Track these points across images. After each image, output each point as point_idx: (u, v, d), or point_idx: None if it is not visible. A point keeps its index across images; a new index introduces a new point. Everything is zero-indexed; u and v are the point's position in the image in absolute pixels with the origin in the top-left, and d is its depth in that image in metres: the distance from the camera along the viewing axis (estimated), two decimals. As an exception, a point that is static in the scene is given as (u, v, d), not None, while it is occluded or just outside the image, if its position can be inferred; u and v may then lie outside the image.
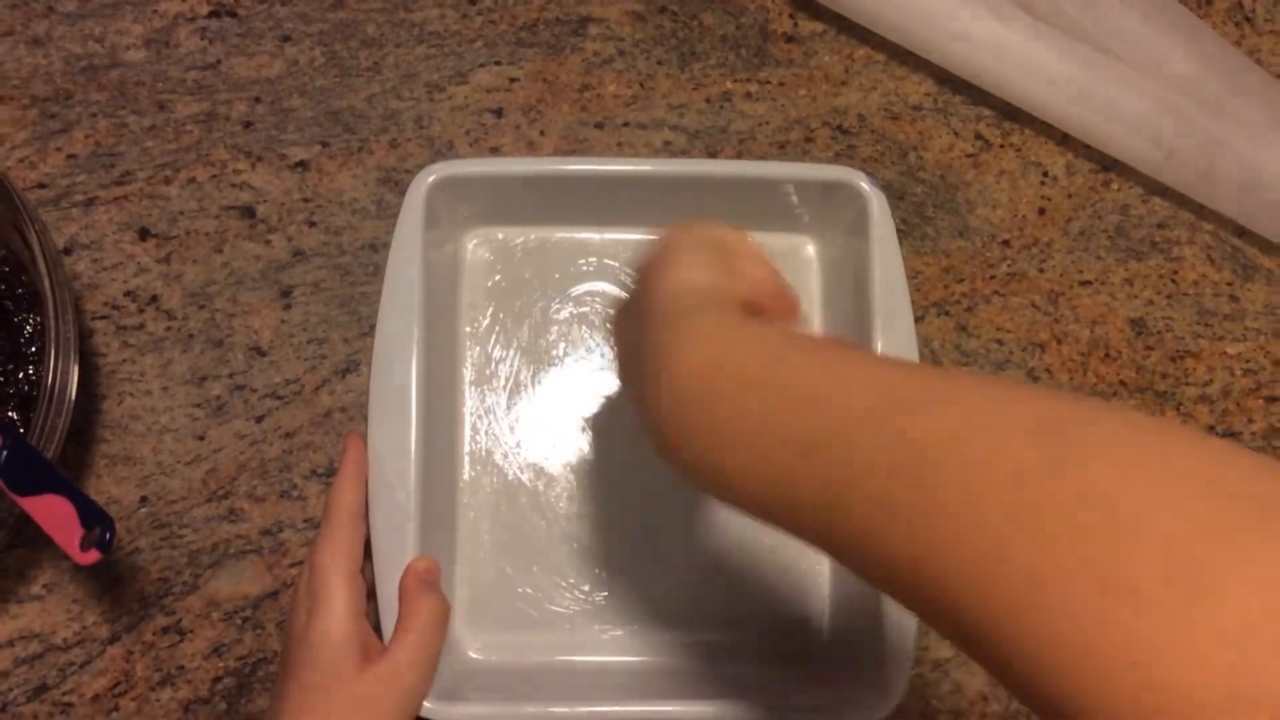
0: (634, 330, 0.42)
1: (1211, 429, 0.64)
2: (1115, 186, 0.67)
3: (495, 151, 0.65)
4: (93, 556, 0.46)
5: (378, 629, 0.55)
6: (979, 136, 0.67)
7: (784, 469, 0.33)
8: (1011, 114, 0.66)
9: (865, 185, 0.58)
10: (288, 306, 0.63)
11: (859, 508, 0.30)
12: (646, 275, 0.44)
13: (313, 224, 0.63)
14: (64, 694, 0.59)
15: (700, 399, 0.36)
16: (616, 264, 0.63)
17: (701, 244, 0.44)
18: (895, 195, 0.65)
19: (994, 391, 0.30)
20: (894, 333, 0.57)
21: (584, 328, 0.62)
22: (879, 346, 0.57)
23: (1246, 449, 0.26)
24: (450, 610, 0.54)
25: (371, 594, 0.55)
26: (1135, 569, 0.23)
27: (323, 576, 0.52)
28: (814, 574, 0.61)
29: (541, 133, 0.65)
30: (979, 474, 0.27)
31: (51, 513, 0.47)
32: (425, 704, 0.52)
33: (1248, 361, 0.65)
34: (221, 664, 0.60)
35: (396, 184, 0.64)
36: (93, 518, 0.47)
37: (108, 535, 0.46)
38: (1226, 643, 0.22)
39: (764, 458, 0.33)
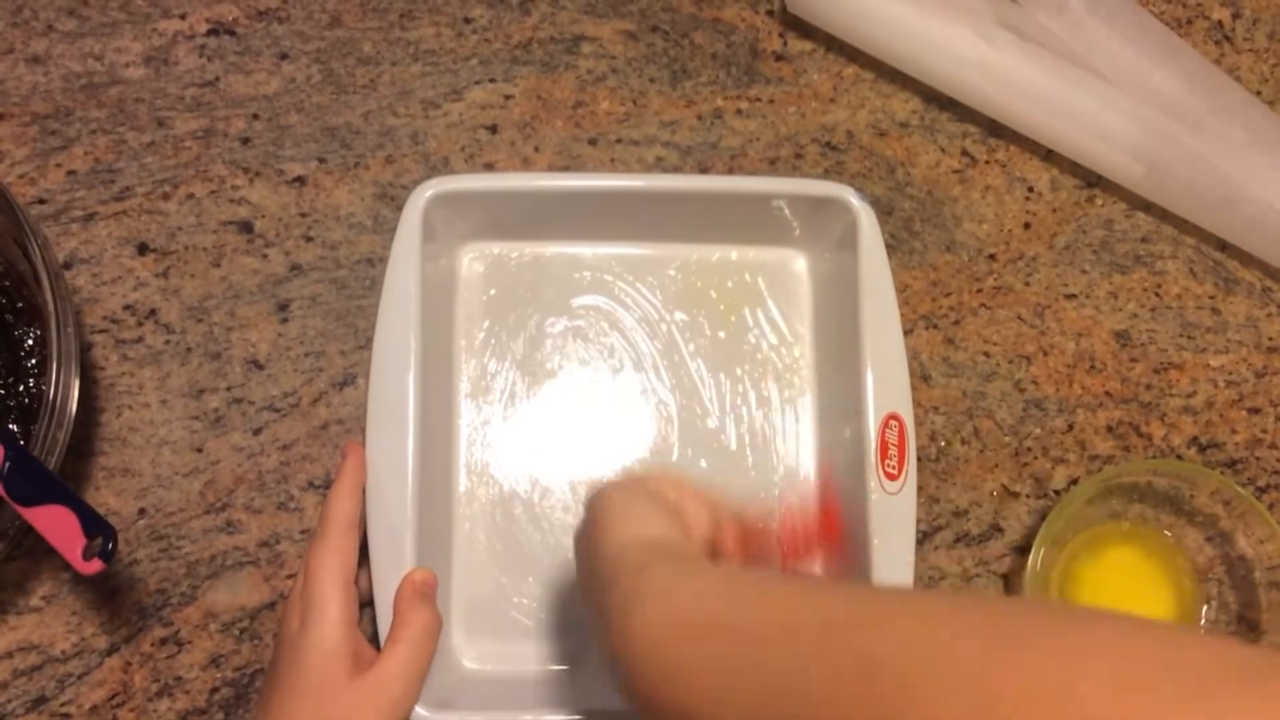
0: (588, 580, 0.44)
1: (1195, 440, 0.65)
2: (1099, 202, 0.68)
3: (490, 167, 0.66)
4: (95, 566, 0.47)
5: (373, 637, 0.55)
6: (965, 153, 0.68)
7: (755, 702, 0.34)
8: (997, 131, 0.68)
9: (854, 200, 0.59)
10: (285, 320, 0.63)
11: None
12: (592, 533, 0.45)
13: (310, 239, 0.64)
14: (62, 705, 0.59)
15: (664, 652, 0.37)
16: (610, 278, 0.64)
17: (641, 496, 0.46)
18: (883, 210, 0.66)
19: (933, 606, 0.32)
20: (882, 346, 0.58)
21: (578, 341, 0.63)
22: (868, 360, 0.58)
23: (1153, 625, 0.28)
24: (441, 623, 0.55)
25: (367, 602, 0.56)
26: None
27: (317, 585, 0.52)
28: (805, 583, 0.61)
29: (536, 149, 0.66)
30: (926, 677, 0.29)
31: (54, 523, 0.48)
32: (421, 712, 0.53)
33: (1230, 373, 0.66)
34: (219, 675, 0.60)
35: (392, 199, 0.65)
36: (95, 527, 0.47)
37: (110, 544, 0.47)
38: None
39: (734, 696, 0.34)
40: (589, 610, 0.45)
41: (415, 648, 0.53)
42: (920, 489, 0.63)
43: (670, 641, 0.37)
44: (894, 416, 0.58)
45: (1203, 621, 0.63)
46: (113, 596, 0.60)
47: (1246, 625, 0.62)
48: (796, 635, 0.34)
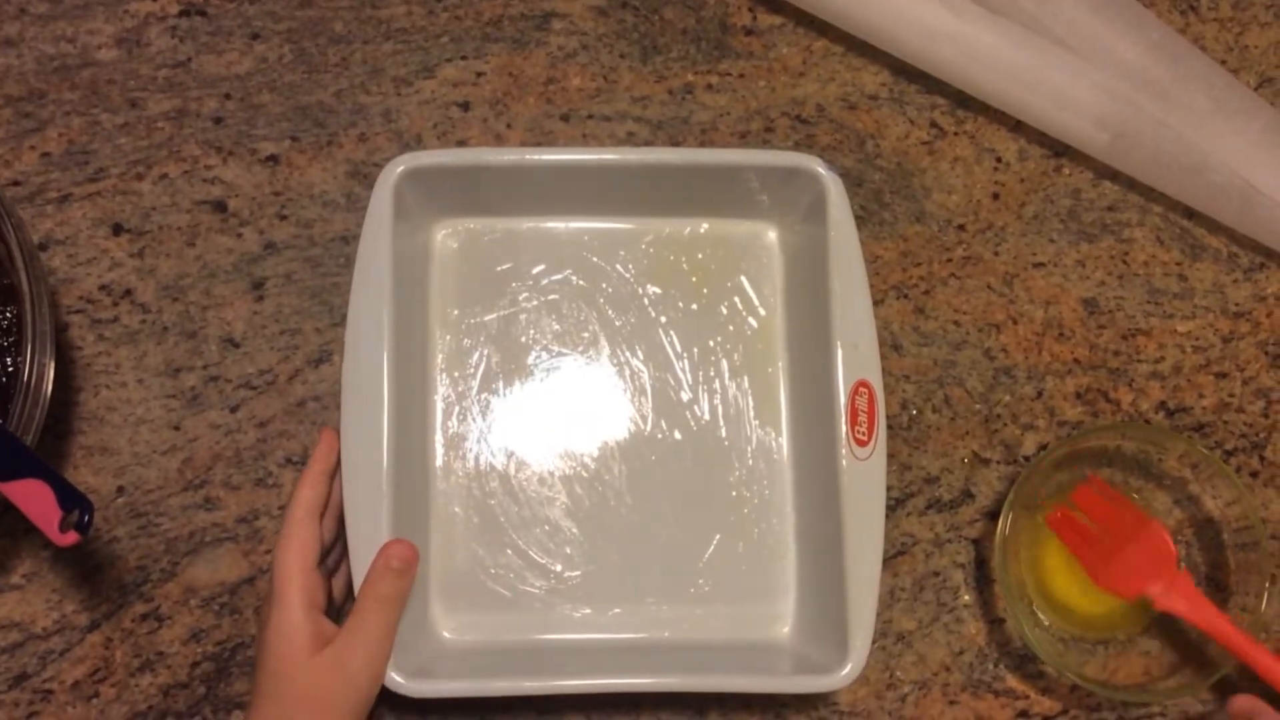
0: None
1: (1163, 404, 0.66)
2: (1066, 171, 0.68)
3: (462, 144, 0.66)
4: (72, 538, 0.47)
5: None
6: (934, 124, 0.68)
7: None
8: (965, 102, 0.68)
9: (822, 170, 0.60)
10: (260, 298, 0.64)
11: None
12: None
13: (284, 217, 0.65)
14: (44, 681, 0.60)
15: None
16: (584, 253, 0.64)
17: None
18: (854, 182, 0.67)
19: None
20: (853, 316, 0.59)
21: (552, 316, 0.64)
22: (837, 328, 0.58)
23: None
24: (404, 596, 0.55)
25: (350, 592, 0.56)
26: None
27: (277, 571, 0.53)
28: (781, 552, 0.62)
29: (508, 125, 0.67)
30: None
31: (30, 497, 0.48)
32: (400, 680, 0.54)
33: (1197, 339, 0.67)
34: (200, 649, 0.61)
35: (365, 177, 0.65)
36: (71, 500, 0.48)
37: (86, 517, 0.47)
38: None
39: None
40: None
41: (372, 620, 0.53)
42: (892, 457, 0.64)
43: None
44: (863, 384, 0.58)
45: (1171, 583, 0.64)
46: (93, 573, 0.61)
47: (1215, 586, 0.63)
48: None
